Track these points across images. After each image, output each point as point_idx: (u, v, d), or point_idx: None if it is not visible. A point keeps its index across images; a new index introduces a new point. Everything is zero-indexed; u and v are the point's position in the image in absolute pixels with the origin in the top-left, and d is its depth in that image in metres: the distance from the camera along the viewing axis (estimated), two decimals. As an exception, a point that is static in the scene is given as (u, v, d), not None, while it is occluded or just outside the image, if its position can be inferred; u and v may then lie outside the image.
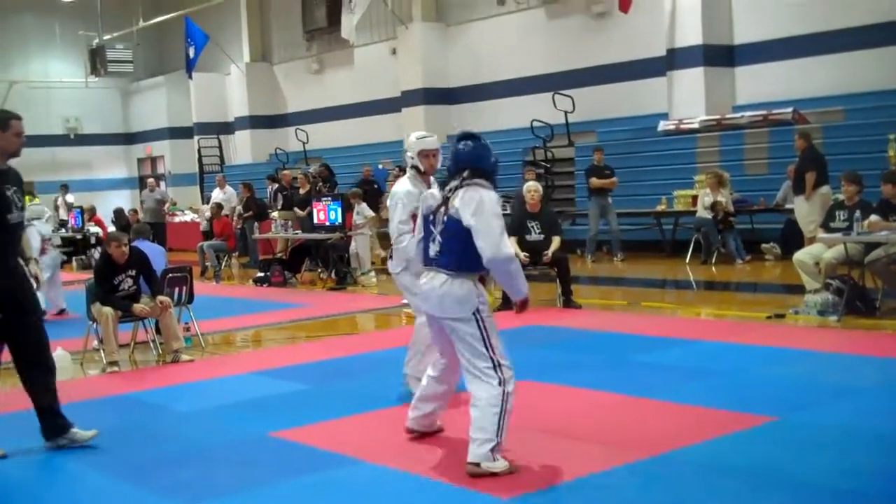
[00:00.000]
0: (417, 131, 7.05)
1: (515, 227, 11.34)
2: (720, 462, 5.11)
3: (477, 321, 5.21)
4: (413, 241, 5.88)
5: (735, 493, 4.64)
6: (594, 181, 16.29)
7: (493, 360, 5.19)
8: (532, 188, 11.41)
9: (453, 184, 5.29)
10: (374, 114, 25.30)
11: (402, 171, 18.66)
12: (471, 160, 5.31)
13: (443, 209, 5.29)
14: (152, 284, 9.00)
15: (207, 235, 18.83)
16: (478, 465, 5.07)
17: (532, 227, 11.19)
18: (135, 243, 9.74)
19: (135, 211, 22.69)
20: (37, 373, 5.99)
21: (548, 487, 4.82)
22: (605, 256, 16.70)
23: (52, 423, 6.00)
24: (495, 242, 5.08)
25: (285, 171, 20.47)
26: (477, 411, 5.17)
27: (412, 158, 6.60)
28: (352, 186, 17.63)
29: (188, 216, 25.33)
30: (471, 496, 4.78)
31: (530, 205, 11.30)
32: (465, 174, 5.26)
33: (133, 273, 8.95)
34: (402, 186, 6.63)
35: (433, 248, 5.34)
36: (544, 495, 4.72)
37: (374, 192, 18.41)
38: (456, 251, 5.23)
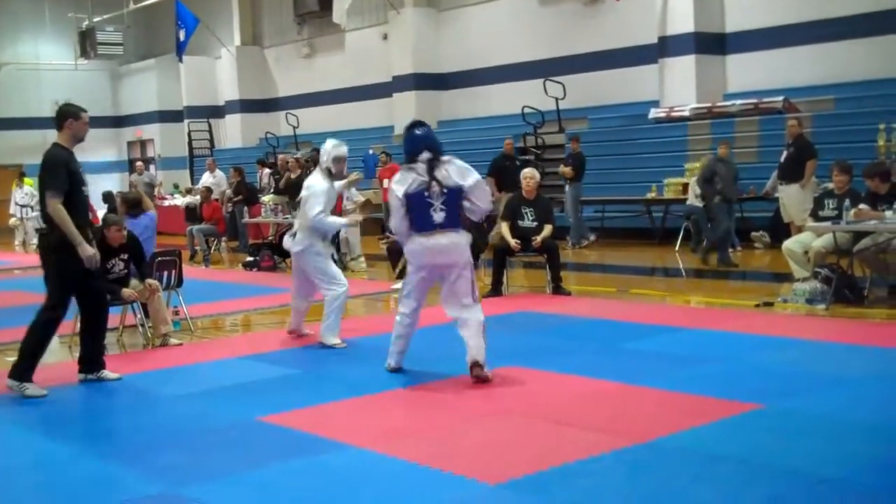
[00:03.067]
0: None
1: (510, 212, 11.32)
2: (707, 449, 5.13)
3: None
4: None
5: (721, 480, 4.66)
6: (561, 168, 16.85)
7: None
8: (528, 174, 11.35)
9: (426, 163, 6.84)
10: (365, 99, 25.27)
11: (390, 157, 18.63)
12: (428, 141, 6.93)
13: (435, 184, 6.78)
14: (142, 268, 8.97)
15: (192, 219, 18.83)
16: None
17: (526, 213, 11.16)
18: (127, 217, 9.86)
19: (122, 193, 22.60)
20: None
21: (535, 472, 4.82)
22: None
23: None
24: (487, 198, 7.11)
25: (281, 155, 20.43)
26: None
27: (325, 162, 8.41)
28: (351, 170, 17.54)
29: (178, 200, 25.26)
30: (457, 481, 4.79)
31: (526, 191, 11.26)
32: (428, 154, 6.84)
33: (125, 257, 8.92)
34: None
35: (438, 216, 6.78)
36: (531, 480, 4.73)
37: (512, 169, 15.95)
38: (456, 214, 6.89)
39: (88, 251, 6.97)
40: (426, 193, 6.79)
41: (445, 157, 6.89)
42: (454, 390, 6.68)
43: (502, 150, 17.28)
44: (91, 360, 7.46)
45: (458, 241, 6.87)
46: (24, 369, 7.01)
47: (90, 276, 7.18)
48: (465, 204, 6.92)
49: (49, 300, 7.11)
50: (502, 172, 16.32)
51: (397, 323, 7.20)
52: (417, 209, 6.81)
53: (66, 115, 7.18)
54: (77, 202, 7.01)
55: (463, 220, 7.03)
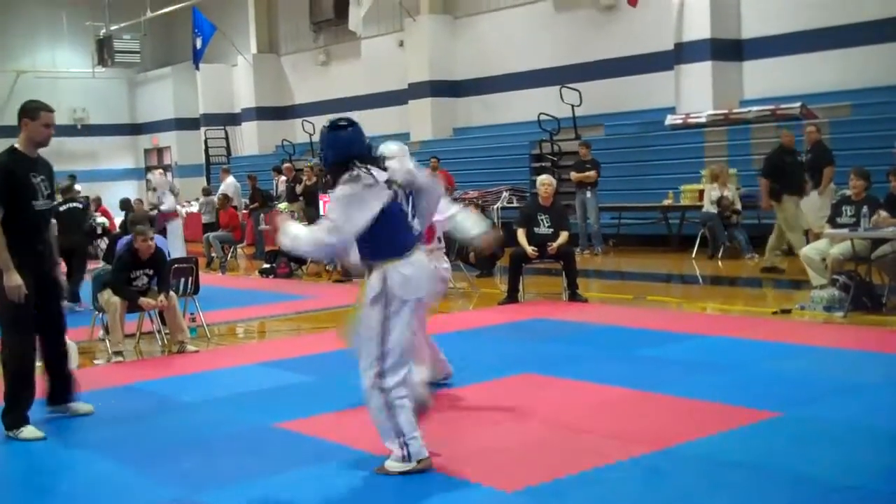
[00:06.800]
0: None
1: (525, 219, 11.33)
2: (724, 457, 5.10)
3: None
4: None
5: (738, 488, 4.64)
6: (573, 175, 16.64)
7: None
8: (545, 181, 11.34)
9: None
10: (380, 106, 25.27)
11: (439, 162, 18.56)
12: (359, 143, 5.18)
13: (401, 192, 5.15)
14: (161, 283, 8.98)
15: (208, 227, 18.91)
16: None
17: (542, 220, 11.15)
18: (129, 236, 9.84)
19: (140, 201, 22.67)
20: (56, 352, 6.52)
21: (552, 480, 4.81)
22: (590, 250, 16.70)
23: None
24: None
25: (287, 164, 20.49)
26: None
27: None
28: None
29: (194, 207, 25.32)
30: (474, 488, 4.78)
31: (542, 198, 11.26)
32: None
33: (150, 272, 8.96)
34: None
35: (416, 224, 5.24)
36: (548, 488, 4.72)
37: (795, 166, 13.21)
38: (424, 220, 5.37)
39: (14, 281, 5.92)
40: (401, 202, 5.19)
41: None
42: (469, 398, 6.67)
43: (779, 144, 13.50)
44: (57, 390, 6.53)
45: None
46: (11, 417, 6.16)
47: (48, 297, 6.28)
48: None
49: (4, 328, 6.21)
50: (782, 172, 13.02)
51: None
52: (397, 225, 5.12)
53: (22, 114, 6.15)
54: (25, 216, 6.04)
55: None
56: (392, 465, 5.07)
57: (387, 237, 5.06)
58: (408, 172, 5.28)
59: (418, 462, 5.04)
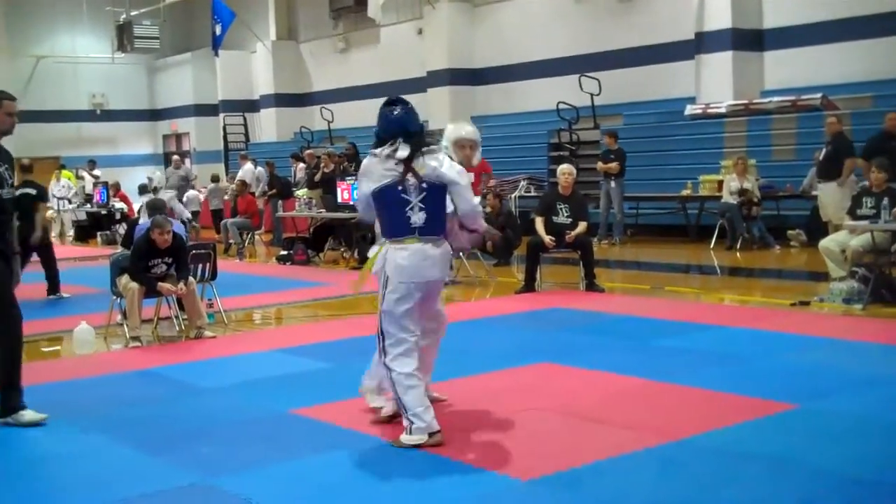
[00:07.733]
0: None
1: (544, 207, 11.30)
2: (739, 448, 5.09)
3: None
4: None
5: (752, 480, 4.62)
6: (599, 165, 16.66)
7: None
8: (566, 170, 11.30)
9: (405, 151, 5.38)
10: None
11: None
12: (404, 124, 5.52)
13: (412, 177, 5.36)
14: (181, 270, 8.99)
15: (215, 213, 18.97)
16: None
17: (561, 209, 11.12)
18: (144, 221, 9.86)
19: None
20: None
21: (567, 469, 4.81)
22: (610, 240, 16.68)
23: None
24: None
25: (308, 151, 20.52)
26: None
27: (446, 149, 6.04)
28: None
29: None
30: (489, 476, 4.79)
31: (563, 187, 11.23)
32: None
33: (169, 260, 8.98)
34: None
35: (416, 217, 5.36)
36: (563, 477, 4.72)
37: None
38: (440, 216, 5.48)
39: None
40: (399, 188, 5.38)
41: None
42: (485, 386, 6.67)
43: (882, 127, 13.30)
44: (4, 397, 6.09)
45: (444, 253, 5.56)
46: (10, 401, 6.08)
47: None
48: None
49: None
50: (886, 156, 11.43)
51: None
52: (394, 210, 5.39)
53: None
54: None
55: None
56: (404, 437, 5.31)
57: (384, 217, 5.47)
58: (433, 169, 5.42)
59: (430, 436, 5.25)
